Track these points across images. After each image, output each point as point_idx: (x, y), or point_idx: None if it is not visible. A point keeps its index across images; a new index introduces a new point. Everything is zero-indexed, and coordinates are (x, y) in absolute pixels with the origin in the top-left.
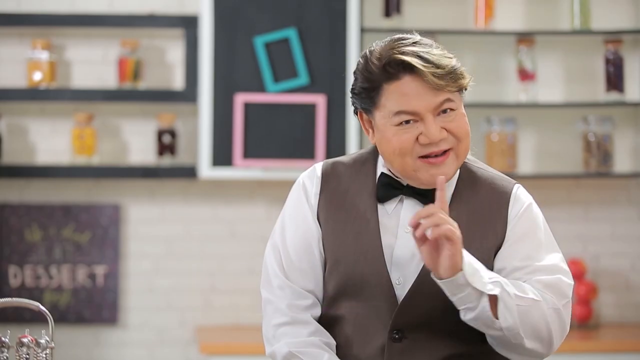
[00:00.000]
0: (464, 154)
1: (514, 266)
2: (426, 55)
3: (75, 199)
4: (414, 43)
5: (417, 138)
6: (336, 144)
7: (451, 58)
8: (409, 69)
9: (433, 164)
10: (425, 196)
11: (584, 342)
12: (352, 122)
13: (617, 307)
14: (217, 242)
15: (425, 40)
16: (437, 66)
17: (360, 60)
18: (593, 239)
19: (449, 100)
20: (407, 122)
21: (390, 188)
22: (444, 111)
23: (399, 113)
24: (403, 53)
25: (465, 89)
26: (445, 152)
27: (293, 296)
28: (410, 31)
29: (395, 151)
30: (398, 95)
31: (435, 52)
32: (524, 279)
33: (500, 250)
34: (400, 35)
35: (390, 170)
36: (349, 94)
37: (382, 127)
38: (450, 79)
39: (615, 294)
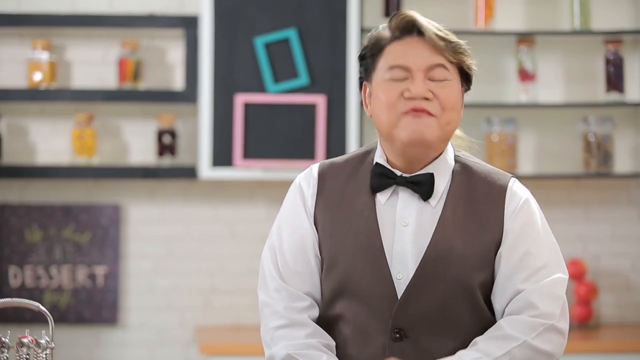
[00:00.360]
0: (448, 128)
1: (514, 266)
2: (430, 21)
3: (75, 199)
4: (426, 19)
5: (403, 93)
6: (336, 145)
7: (457, 38)
8: (414, 30)
9: (413, 115)
10: (418, 185)
11: (584, 343)
12: (352, 122)
13: (617, 308)
14: (217, 242)
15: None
16: (440, 29)
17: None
18: (593, 240)
19: (443, 66)
20: (401, 79)
21: (384, 177)
22: (438, 80)
23: (392, 67)
24: (413, 14)
25: (469, 74)
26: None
27: (290, 298)
28: None
29: (382, 105)
30: (396, 51)
31: (443, 27)
32: (523, 288)
33: (501, 248)
34: None
35: (387, 160)
36: (349, 94)
37: (376, 87)
38: (452, 47)
39: (615, 294)
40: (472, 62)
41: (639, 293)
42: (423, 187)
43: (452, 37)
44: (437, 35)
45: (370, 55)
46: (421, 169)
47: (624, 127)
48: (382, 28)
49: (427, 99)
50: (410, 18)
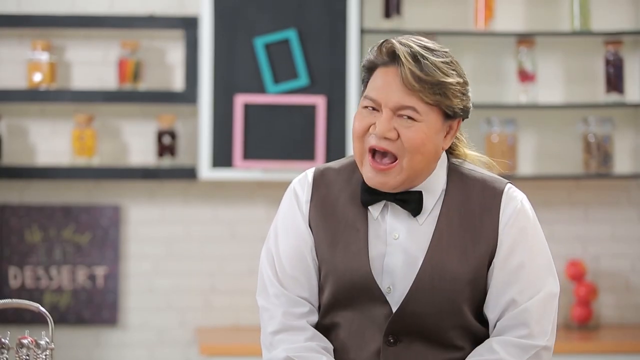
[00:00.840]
0: (412, 170)
1: (507, 278)
2: (418, 54)
3: (75, 200)
4: (425, 47)
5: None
6: (336, 146)
7: (447, 75)
8: (397, 60)
9: (375, 168)
10: (405, 202)
11: (584, 343)
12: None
13: (617, 308)
14: (217, 243)
15: (440, 50)
16: (421, 68)
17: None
18: (593, 240)
19: (412, 109)
20: (374, 109)
21: (373, 193)
22: (406, 118)
23: (366, 97)
24: (400, 42)
25: (452, 115)
26: (394, 161)
27: (289, 304)
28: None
29: (354, 134)
30: (376, 79)
31: (435, 60)
32: (517, 303)
33: (495, 259)
34: (423, 38)
35: None
36: (349, 95)
37: (358, 108)
38: (429, 88)
39: (615, 295)
40: (457, 101)
41: (639, 294)
42: (412, 205)
43: (433, 74)
44: (413, 75)
45: (367, 71)
46: (409, 187)
47: (624, 128)
48: (377, 48)
49: (388, 138)
50: (393, 48)
